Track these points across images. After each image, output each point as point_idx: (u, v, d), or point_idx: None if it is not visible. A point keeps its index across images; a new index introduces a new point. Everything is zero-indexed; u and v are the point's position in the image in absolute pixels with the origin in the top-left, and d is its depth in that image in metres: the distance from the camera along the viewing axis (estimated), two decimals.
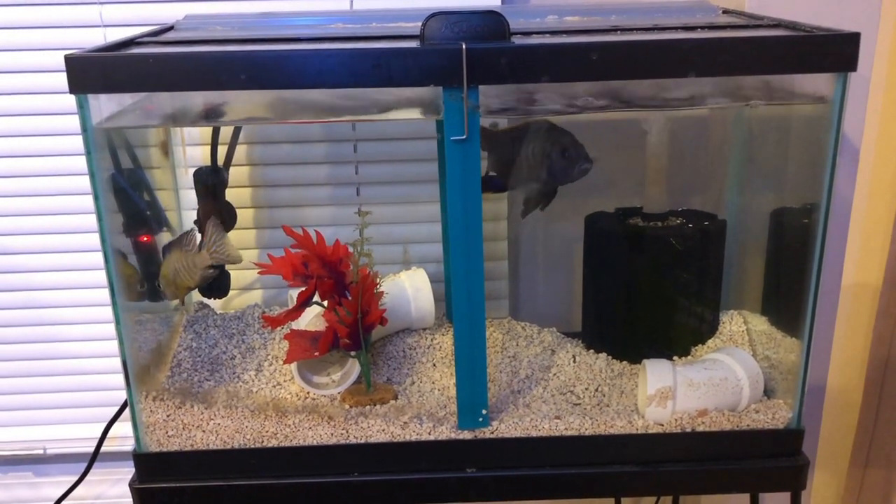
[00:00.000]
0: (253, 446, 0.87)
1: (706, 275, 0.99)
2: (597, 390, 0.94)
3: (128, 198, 0.89)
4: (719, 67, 0.76)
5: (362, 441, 0.87)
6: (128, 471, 0.89)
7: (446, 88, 0.75)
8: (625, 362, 0.99)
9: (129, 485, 0.88)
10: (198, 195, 1.01)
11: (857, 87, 1.08)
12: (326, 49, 0.76)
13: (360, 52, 0.74)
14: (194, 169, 1.01)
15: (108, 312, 0.84)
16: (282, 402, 0.92)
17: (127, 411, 0.88)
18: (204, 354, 0.98)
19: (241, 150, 1.08)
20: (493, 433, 0.87)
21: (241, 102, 0.88)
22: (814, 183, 0.81)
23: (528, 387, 0.95)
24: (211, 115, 0.88)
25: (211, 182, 1.00)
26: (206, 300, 1.07)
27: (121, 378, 0.86)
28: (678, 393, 0.87)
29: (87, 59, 0.74)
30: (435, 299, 1.03)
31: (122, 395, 0.90)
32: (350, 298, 0.88)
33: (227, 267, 1.06)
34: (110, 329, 1.10)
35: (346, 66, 0.74)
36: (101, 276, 0.83)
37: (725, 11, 0.98)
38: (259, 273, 0.89)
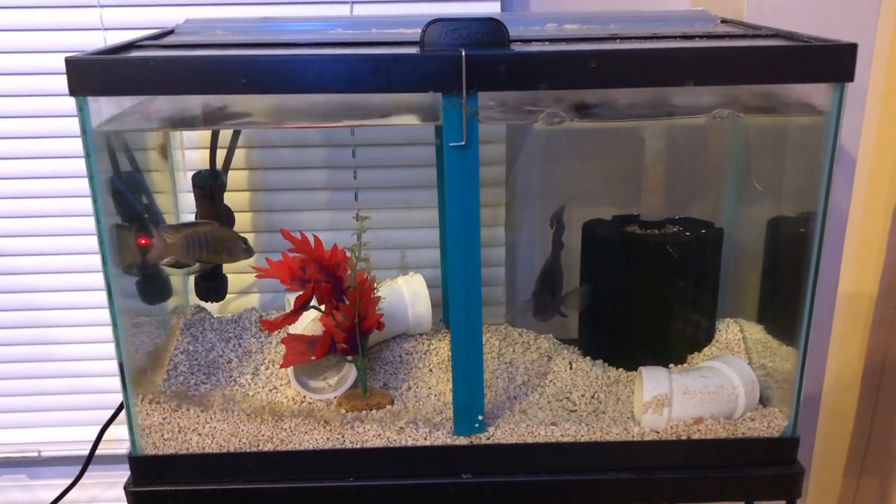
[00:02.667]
0: (249, 450, 0.87)
1: (703, 283, 0.99)
2: (593, 397, 0.94)
3: (126, 200, 0.89)
4: (717, 76, 0.76)
5: (358, 446, 0.87)
6: (122, 474, 0.89)
7: (446, 94, 0.75)
8: (621, 369, 0.99)
9: (124, 488, 0.87)
10: (196, 198, 1.01)
11: (853, 97, 1.08)
12: (326, 54, 0.76)
13: (360, 57, 0.74)
14: (193, 172, 1.01)
15: (104, 315, 0.84)
16: (278, 406, 0.92)
17: (122, 414, 0.88)
18: (200, 358, 0.98)
19: (239, 154, 1.08)
20: (489, 439, 0.87)
21: (241, 106, 0.88)
22: (810, 192, 0.81)
23: (524, 393, 0.95)
24: (210, 119, 0.88)
25: (209, 185, 1.00)
26: (203, 304, 1.07)
27: (116, 381, 0.86)
28: (674, 400, 0.87)
29: (87, 61, 0.74)
30: (432, 304, 1.04)
31: (117, 398, 0.90)
32: (347, 303, 0.89)
33: (225, 270, 1.07)
34: (106, 332, 1.10)
35: (346, 72, 0.74)
36: (98, 279, 0.83)
37: (724, 21, 0.98)
38: (257, 276, 0.89)
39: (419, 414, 0.90)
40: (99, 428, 1.07)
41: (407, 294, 1.03)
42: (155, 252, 0.91)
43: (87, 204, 0.80)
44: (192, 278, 1.06)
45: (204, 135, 1.05)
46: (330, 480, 0.88)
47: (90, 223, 0.80)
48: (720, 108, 0.84)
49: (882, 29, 1.06)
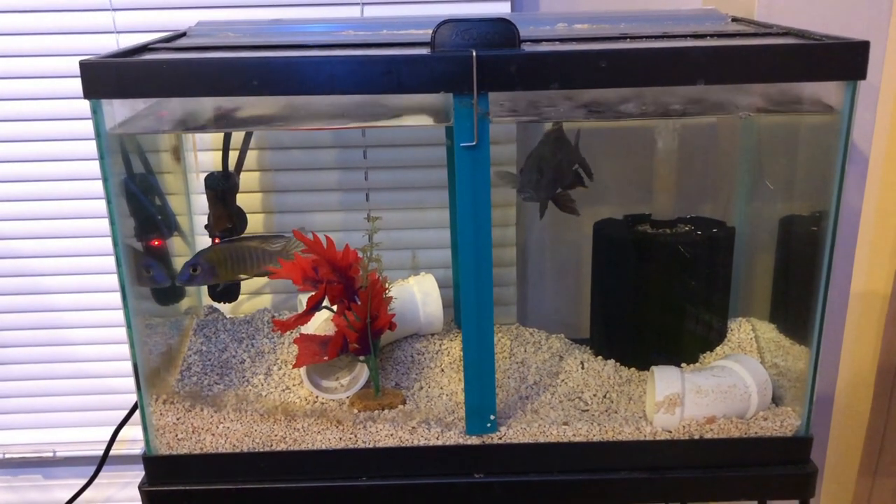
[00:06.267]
0: (262, 450, 0.88)
1: (714, 282, 0.99)
2: (605, 396, 0.94)
3: (139, 202, 0.89)
4: (728, 75, 0.76)
5: (370, 446, 0.88)
6: (137, 474, 0.90)
7: (456, 95, 0.75)
8: (633, 369, 0.99)
9: (139, 488, 0.88)
10: (209, 200, 1.02)
11: (866, 95, 1.08)
12: (338, 56, 0.76)
13: (371, 58, 0.75)
14: (206, 174, 1.02)
15: (118, 316, 0.85)
16: (291, 406, 0.92)
17: (137, 414, 0.88)
18: (214, 358, 0.99)
19: (251, 156, 1.08)
20: (501, 439, 0.88)
21: (253, 108, 0.88)
22: (823, 190, 0.81)
23: (536, 393, 0.95)
24: (222, 121, 0.89)
25: (222, 187, 1.01)
26: (215, 304, 1.07)
27: (130, 381, 0.86)
28: (686, 400, 0.87)
29: (101, 64, 0.74)
30: (443, 305, 1.04)
31: (132, 399, 0.91)
32: (359, 303, 0.89)
33: None
34: (120, 332, 1.10)
35: (357, 73, 0.74)
36: (112, 280, 0.83)
37: (735, 19, 0.98)
38: (269, 277, 0.89)
39: (431, 414, 0.91)
40: (113, 428, 1.08)
41: (418, 294, 1.03)
42: None
43: (100, 206, 0.80)
44: None
45: (216, 137, 1.06)
46: (342, 480, 0.88)
47: (104, 225, 0.81)
48: (744, 111, 0.83)
49: (894, 26, 1.05)
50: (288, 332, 1.01)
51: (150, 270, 0.88)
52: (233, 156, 1.03)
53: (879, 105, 1.09)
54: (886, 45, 1.06)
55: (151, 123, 0.86)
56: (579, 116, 0.90)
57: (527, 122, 1.08)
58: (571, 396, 0.94)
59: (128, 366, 0.86)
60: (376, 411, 0.91)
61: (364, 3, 1.05)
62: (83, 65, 0.74)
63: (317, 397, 0.94)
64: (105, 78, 0.74)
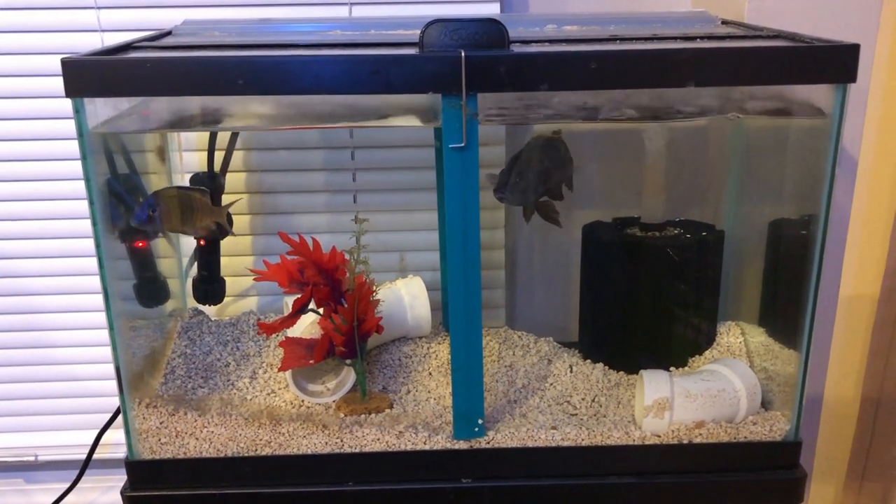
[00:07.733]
0: (246, 454, 0.87)
1: (704, 285, 0.98)
2: (593, 401, 0.94)
3: (123, 203, 0.88)
4: (718, 78, 0.76)
5: (357, 450, 0.87)
6: (120, 478, 0.88)
7: (445, 96, 0.74)
8: (622, 373, 0.99)
9: (121, 492, 0.87)
10: None
11: (855, 98, 1.08)
12: (325, 55, 0.76)
13: (359, 58, 0.74)
14: (191, 175, 1.01)
15: (101, 318, 0.84)
16: (276, 410, 0.91)
17: (119, 418, 0.87)
18: (198, 361, 0.98)
19: (237, 156, 1.07)
20: (488, 443, 0.87)
21: (239, 108, 0.87)
22: (812, 194, 0.81)
23: (524, 397, 0.95)
24: (208, 121, 0.88)
25: (208, 188, 0.99)
26: (200, 307, 1.06)
27: (113, 385, 0.85)
28: (675, 404, 0.87)
29: (84, 63, 0.73)
30: (431, 308, 1.03)
31: (115, 402, 0.90)
32: (346, 306, 0.88)
33: (223, 273, 1.06)
34: (103, 335, 1.09)
35: (345, 73, 0.74)
36: (95, 282, 0.82)
37: (725, 22, 0.98)
38: (255, 279, 0.88)
39: (418, 418, 0.90)
40: (96, 432, 1.07)
41: (406, 297, 1.03)
42: None
43: (83, 206, 0.79)
44: (189, 281, 1.05)
45: (202, 137, 1.05)
46: (328, 485, 0.87)
47: (87, 225, 0.80)
48: (733, 112, 0.83)
49: (883, 29, 1.05)
50: (273, 335, 1.00)
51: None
52: (218, 156, 1.02)
53: (869, 108, 1.09)
54: (875, 48, 1.06)
55: (135, 123, 0.85)
56: (568, 119, 0.89)
57: (516, 125, 1.08)
58: (560, 400, 0.94)
59: (111, 369, 0.85)
60: (363, 415, 0.90)
61: (352, 3, 1.04)
62: (66, 63, 0.73)
63: (302, 401, 0.93)
64: (88, 76, 0.73)
